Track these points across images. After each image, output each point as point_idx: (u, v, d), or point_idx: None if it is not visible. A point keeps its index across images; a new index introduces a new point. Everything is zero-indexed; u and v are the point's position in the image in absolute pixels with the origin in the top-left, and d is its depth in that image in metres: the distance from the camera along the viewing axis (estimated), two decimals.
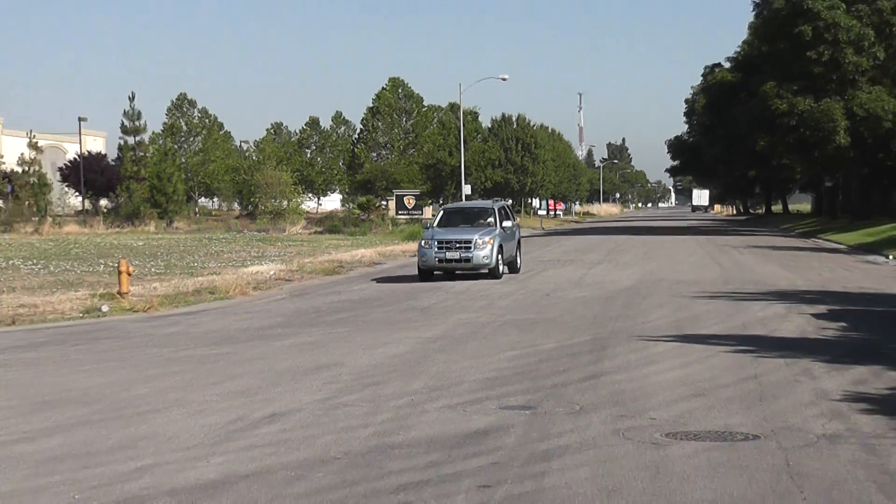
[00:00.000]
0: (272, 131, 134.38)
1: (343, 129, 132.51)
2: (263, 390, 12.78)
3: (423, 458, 9.25)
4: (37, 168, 78.88)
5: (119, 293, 24.56)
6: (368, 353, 15.93)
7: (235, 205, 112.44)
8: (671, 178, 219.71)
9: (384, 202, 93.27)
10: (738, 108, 75.37)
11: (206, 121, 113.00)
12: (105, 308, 22.98)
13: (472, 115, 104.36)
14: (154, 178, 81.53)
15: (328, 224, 77.97)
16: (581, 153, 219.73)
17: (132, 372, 14.56)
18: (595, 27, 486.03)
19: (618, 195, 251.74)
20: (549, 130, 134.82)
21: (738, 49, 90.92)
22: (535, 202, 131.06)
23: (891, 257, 39.04)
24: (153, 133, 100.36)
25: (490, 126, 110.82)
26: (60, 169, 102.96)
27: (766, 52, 73.15)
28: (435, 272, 30.07)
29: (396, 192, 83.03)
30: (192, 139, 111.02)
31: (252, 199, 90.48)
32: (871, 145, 67.09)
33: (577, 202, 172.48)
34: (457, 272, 30.02)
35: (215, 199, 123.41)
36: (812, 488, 8.16)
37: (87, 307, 23.04)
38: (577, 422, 10.63)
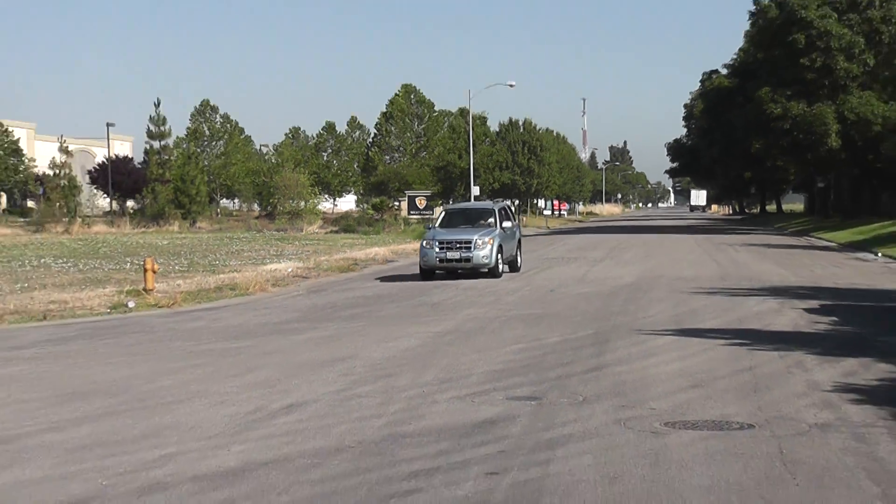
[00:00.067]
0: (290, 135, 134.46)
1: (358, 133, 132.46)
2: (281, 382, 12.80)
3: (434, 447, 9.26)
4: (67, 171, 79.04)
5: (145, 290, 24.60)
6: (381, 346, 15.94)
7: (255, 205, 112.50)
8: (670, 180, 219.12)
9: (397, 203, 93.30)
10: (735, 112, 75.23)
11: (228, 126, 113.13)
12: (131, 304, 23.02)
13: (481, 120, 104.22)
14: (178, 180, 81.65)
15: (343, 224, 78.03)
16: (584, 156, 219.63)
17: (157, 364, 14.59)
18: (598, 36, 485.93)
19: (619, 196, 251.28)
20: (555, 134, 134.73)
21: (735, 56, 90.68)
22: (541, 202, 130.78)
23: (879, 254, 38.92)
24: (177, 137, 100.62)
25: (498, 130, 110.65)
26: (89, 172, 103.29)
27: (761, 58, 73.09)
28: (436, 271, 29.60)
29: (409, 193, 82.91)
30: (214, 143, 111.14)
31: (271, 200, 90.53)
32: (862, 148, 66.98)
33: (581, 202, 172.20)
34: (458, 271, 29.52)
35: (236, 201, 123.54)
36: (804, 475, 8.15)
37: (114, 303, 23.09)
38: (580, 412, 10.63)
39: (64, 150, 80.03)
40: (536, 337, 16.61)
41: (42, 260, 37.92)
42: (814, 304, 21.22)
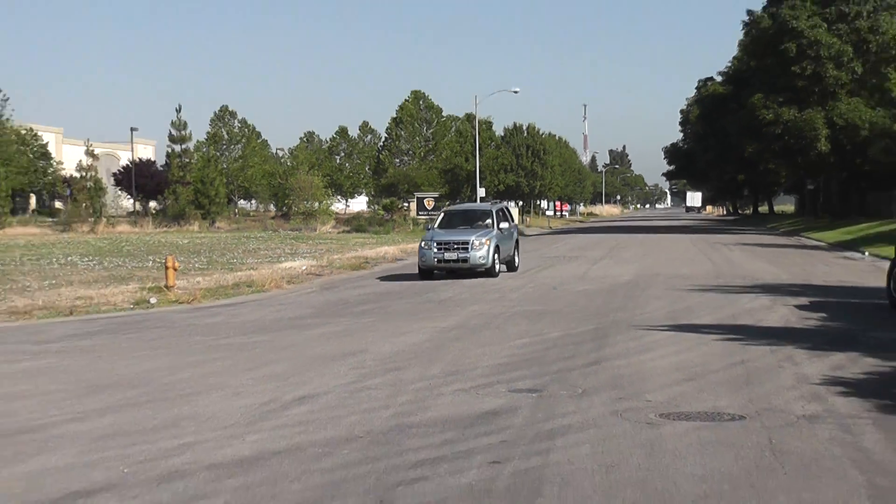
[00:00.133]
0: (305, 139, 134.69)
1: (369, 137, 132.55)
2: (295, 375, 12.80)
3: (439, 437, 9.25)
4: (93, 173, 79.20)
5: (166, 286, 24.63)
6: (391, 341, 15.94)
7: (271, 206, 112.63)
8: (667, 182, 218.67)
9: (406, 204, 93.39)
10: (729, 117, 75.23)
11: (246, 130, 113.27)
12: (153, 300, 23.04)
13: (487, 125, 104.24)
14: (198, 182, 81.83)
15: (355, 224, 78.11)
16: (585, 159, 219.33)
17: (176, 358, 14.60)
18: (599, 45, 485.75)
19: (619, 197, 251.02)
20: (557, 138, 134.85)
21: (729, 64, 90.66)
22: (544, 203, 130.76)
23: (867, 253, 38.84)
24: (198, 141, 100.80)
25: (503, 134, 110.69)
26: (114, 174, 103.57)
27: (754, 66, 73.10)
28: (435, 271, 28.93)
29: (417, 194, 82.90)
30: (232, 147, 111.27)
31: (286, 201, 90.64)
32: (850, 152, 66.97)
33: (582, 204, 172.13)
34: (452, 271, 28.87)
35: (253, 202, 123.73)
36: (793, 464, 8.13)
37: (137, 299, 23.12)
38: (579, 404, 10.62)
39: (90, 154, 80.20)
40: (539, 332, 16.60)
41: (69, 258, 38.00)
42: (804, 301, 21.18)
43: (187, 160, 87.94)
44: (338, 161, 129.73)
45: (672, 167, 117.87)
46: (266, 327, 18.28)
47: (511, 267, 31.13)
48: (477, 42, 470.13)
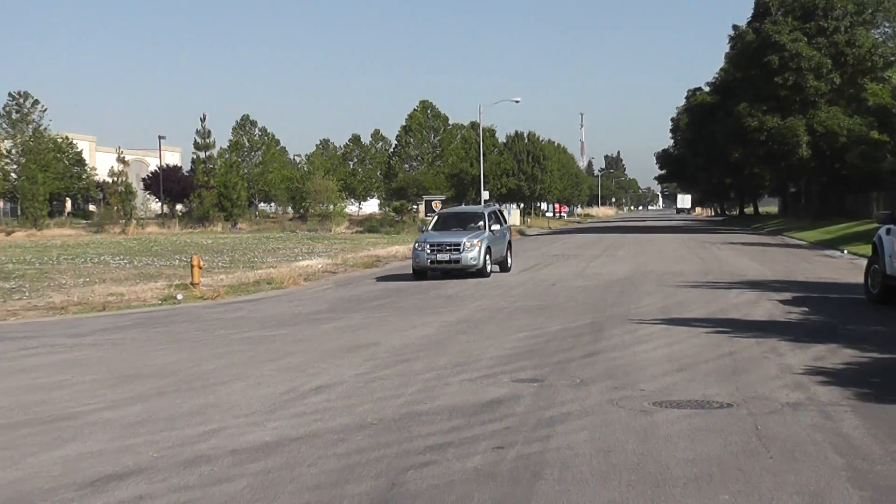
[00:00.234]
0: (321, 146, 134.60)
1: (380, 144, 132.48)
2: (312, 366, 12.79)
3: (447, 424, 9.23)
4: (124, 179, 79.45)
5: (191, 284, 24.65)
6: (401, 334, 15.92)
7: (289, 209, 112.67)
8: (659, 185, 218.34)
9: (415, 206, 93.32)
10: (716, 125, 75.19)
11: (265, 138, 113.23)
12: (179, 296, 23.06)
13: (490, 132, 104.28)
14: (221, 186, 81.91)
15: (368, 225, 78.12)
16: (582, 164, 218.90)
17: (202, 350, 14.61)
18: (595, 57, 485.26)
19: (613, 199, 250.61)
20: (556, 144, 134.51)
21: (717, 75, 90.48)
22: (544, 205, 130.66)
23: (845, 251, 38.74)
24: (221, 148, 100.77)
25: (505, 141, 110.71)
26: (143, 179, 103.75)
27: (739, 77, 73.02)
28: (429, 272, 27.96)
29: (426, 197, 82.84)
30: (253, 153, 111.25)
31: (303, 204, 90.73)
32: (829, 157, 66.88)
33: (579, 205, 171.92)
34: (446, 272, 27.91)
35: (272, 204, 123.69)
36: (777, 448, 8.10)
37: (164, 296, 23.14)
38: (577, 393, 10.59)
39: (121, 160, 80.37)
40: (539, 326, 16.57)
41: (102, 257, 38.06)
42: (787, 296, 21.13)
43: (211, 166, 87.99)
44: (351, 166, 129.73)
45: (663, 171, 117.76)
46: (285, 321, 18.28)
47: (504, 267, 30.11)
48: (481, 55, 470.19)
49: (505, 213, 34.26)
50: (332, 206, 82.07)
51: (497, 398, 10.38)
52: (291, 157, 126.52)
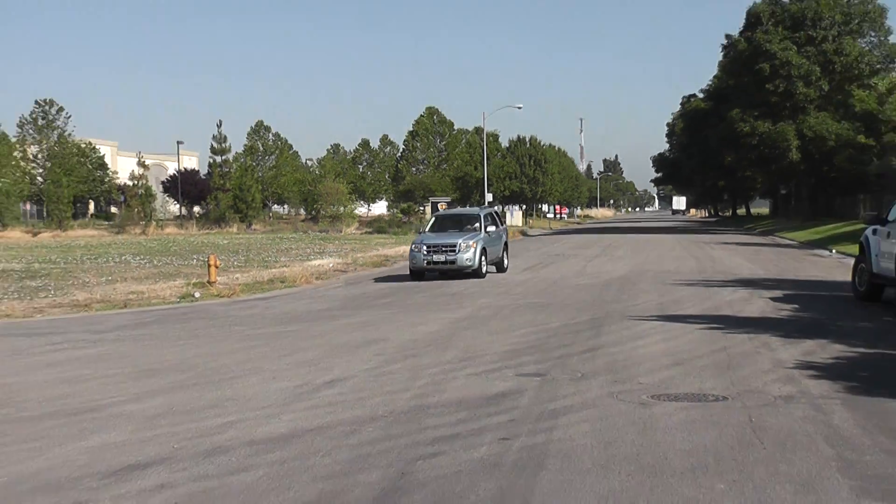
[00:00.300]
0: (331, 151, 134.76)
1: (389, 148, 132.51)
2: (324, 361, 12.79)
3: (454, 416, 9.23)
4: (144, 182, 79.60)
5: (208, 282, 24.67)
6: (409, 330, 15.91)
7: (302, 210, 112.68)
8: (655, 187, 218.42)
9: (422, 208, 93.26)
10: (710, 130, 75.13)
11: (279, 143, 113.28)
12: (197, 294, 23.08)
13: (493, 137, 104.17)
14: (237, 189, 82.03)
15: (376, 225, 78.13)
16: (582, 167, 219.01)
17: (219, 346, 14.61)
18: (594, 65, 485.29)
19: (612, 201, 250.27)
20: (556, 149, 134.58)
21: (710, 82, 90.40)
22: (545, 207, 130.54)
23: (834, 251, 38.66)
24: (236, 153, 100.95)
25: (508, 145, 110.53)
26: (163, 182, 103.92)
27: (732, 84, 72.93)
28: (426, 273, 27.19)
29: (432, 199, 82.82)
30: (267, 157, 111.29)
31: (315, 206, 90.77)
32: (818, 160, 66.77)
33: (579, 207, 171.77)
34: (443, 273, 27.21)
35: (286, 206, 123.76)
36: (770, 439, 8.09)
37: (183, 293, 23.15)
38: (578, 386, 10.58)
39: (141, 164, 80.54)
40: (542, 322, 16.55)
41: (123, 257, 38.13)
42: (778, 293, 21.09)
43: (227, 169, 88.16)
44: (360, 170, 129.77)
45: (660, 174, 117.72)
46: (298, 318, 18.28)
47: (500, 268, 29.47)
48: (485, 64, 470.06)
49: (502, 215, 33.79)
50: (342, 208, 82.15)
51: (502, 392, 10.37)
52: (304, 161, 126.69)
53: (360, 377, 11.46)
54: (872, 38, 68.28)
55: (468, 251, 26.77)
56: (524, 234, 72.40)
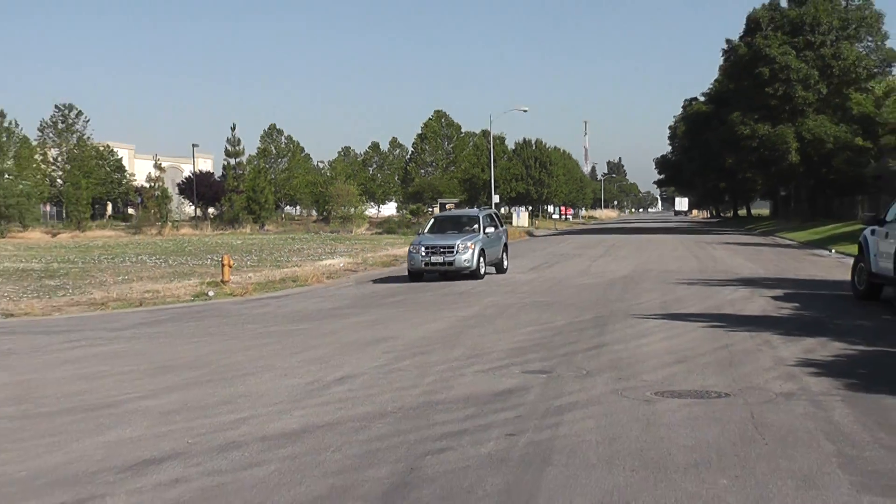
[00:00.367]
0: (342, 153, 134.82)
1: (398, 151, 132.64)
2: (335, 358, 12.76)
3: (462, 412, 9.19)
4: (160, 184, 79.75)
5: (222, 281, 24.68)
6: (417, 328, 15.88)
7: (313, 211, 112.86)
8: (658, 189, 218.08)
9: (430, 209, 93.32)
10: (711, 133, 75.03)
11: (291, 145, 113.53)
12: (211, 293, 23.09)
13: (500, 140, 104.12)
14: (250, 191, 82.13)
15: (386, 226, 78.14)
16: (586, 169, 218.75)
17: (232, 343, 14.60)
18: (598, 69, 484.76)
19: (616, 202, 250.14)
20: (561, 151, 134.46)
21: (711, 86, 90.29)
22: (550, 208, 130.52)
23: (833, 251, 38.56)
24: (250, 155, 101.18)
25: (514, 148, 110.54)
26: (178, 184, 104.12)
27: (733, 88, 72.86)
28: (424, 273, 26.60)
29: (440, 200, 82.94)
30: (279, 160, 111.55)
31: (326, 207, 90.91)
32: (817, 162, 66.63)
33: (584, 208, 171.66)
34: (442, 274, 26.64)
35: (298, 207, 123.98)
36: (772, 436, 8.04)
37: (197, 292, 23.17)
38: (583, 383, 10.54)
39: (158, 167, 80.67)
40: (547, 320, 16.50)
41: (139, 257, 38.18)
42: (779, 292, 21.02)
43: (241, 172, 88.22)
44: (371, 172, 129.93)
45: (662, 176, 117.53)
46: (309, 316, 18.27)
47: (500, 269, 28.93)
48: (491, 68, 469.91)
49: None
50: (352, 209, 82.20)
51: (508, 388, 10.33)
52: (315, 164, 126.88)
53: (370, 374, 11.43)
54: (869, 43, 68.16)
55: (466, 252, 26.26)
56: (530, 234, 72.35)
